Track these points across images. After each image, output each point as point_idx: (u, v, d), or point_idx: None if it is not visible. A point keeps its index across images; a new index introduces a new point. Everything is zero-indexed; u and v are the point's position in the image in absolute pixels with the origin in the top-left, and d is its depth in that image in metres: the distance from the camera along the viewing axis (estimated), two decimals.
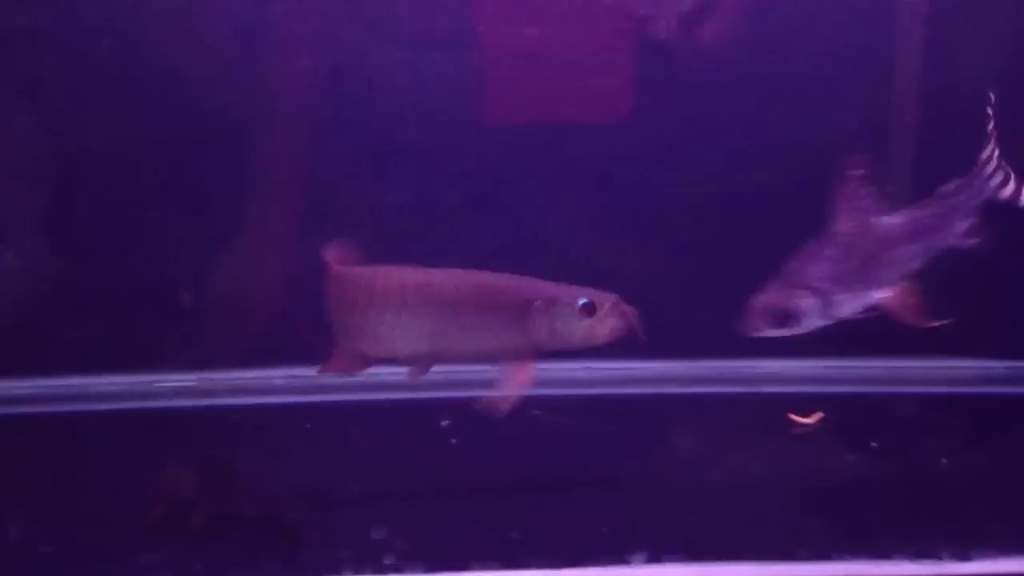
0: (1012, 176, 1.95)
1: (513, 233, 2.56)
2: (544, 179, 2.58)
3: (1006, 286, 2.57)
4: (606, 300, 1.81)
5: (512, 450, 2.27)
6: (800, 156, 2.48)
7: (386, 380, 2.39)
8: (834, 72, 2.52)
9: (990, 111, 1.90)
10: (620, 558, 1.80)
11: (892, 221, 1.94)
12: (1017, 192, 1.95)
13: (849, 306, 1.89)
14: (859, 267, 1.89)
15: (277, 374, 2.58)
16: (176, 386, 2.55)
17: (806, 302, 1.85)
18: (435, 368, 2.24)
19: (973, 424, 2.45)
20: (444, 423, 2.38)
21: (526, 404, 2.37)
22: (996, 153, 1.93)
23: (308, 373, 2.46)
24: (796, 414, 2.42)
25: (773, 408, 2.47)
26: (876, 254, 1.91)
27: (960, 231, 1.97)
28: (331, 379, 2.44)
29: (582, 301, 1.80)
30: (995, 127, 1.90)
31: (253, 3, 2.44)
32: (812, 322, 1.87)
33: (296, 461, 2.22)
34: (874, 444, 2.31)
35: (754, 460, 2.25)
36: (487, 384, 2.17)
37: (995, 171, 1.94)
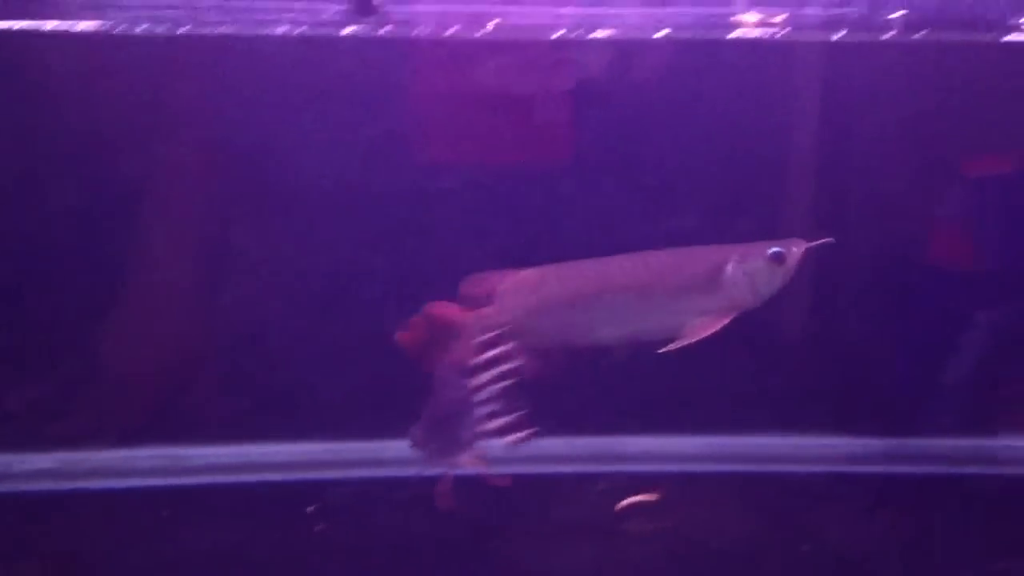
0: None
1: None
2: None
3: (882, 365, 2.60)
4: (794, 246, 1.86)
5: (381, 537, 2.23)
6: None
7: (256, 460, 2.33)
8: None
9: None
10: None
11: None
12: None
13: None
14: None
15: (142, 454, 2.49)
16: (32, 468, 2.45)
17: None
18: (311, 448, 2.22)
19: (854, 501, 2.47)
20: (309, 509, 2.32)
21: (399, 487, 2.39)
22: None
23: (172, 452, 2.39)
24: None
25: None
26: None
27: None
28: (197, 460, 2.37)
29: (773, 250, 1.84)
30: None
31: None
32: None
33: (146, 551, 2.13)
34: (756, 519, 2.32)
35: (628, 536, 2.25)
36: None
37: None
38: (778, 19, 1.74)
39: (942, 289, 2.50)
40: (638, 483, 2.46)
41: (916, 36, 1.77)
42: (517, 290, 1.86)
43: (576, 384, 2.06)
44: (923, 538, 2.35)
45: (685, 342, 1.82)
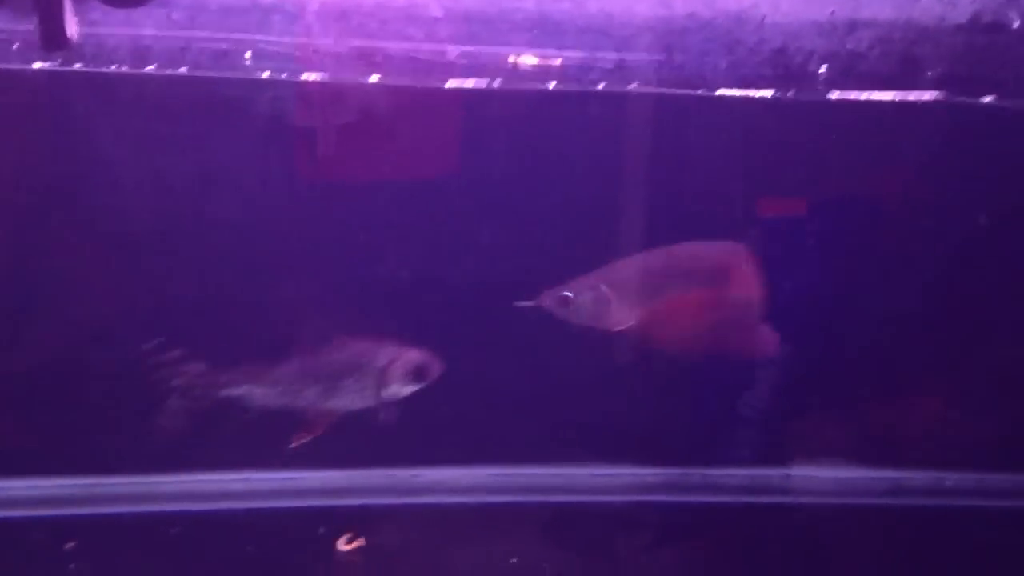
0: None
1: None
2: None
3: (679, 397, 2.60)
4: None
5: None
6: None
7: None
8: None
9: None
10: None
11: None
12: None
13: None
14: None
15: None
16: None
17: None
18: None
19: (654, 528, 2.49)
20: (68, 546, 2.21)
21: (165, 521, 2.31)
22: None
23: None
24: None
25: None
26: None
27: None
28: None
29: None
30: None
31: None
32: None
33: None
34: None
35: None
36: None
37: None
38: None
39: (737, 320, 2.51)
40: (435, 515, 2.43)
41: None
42: None
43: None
44: (717, 565, 2.37)
45: None
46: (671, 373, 2.53)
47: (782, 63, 1.47)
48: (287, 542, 2.31)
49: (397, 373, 1.95)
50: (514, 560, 2.31)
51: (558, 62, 1.50)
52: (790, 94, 1.53)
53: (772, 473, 2.59)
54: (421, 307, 2.25)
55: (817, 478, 2.58)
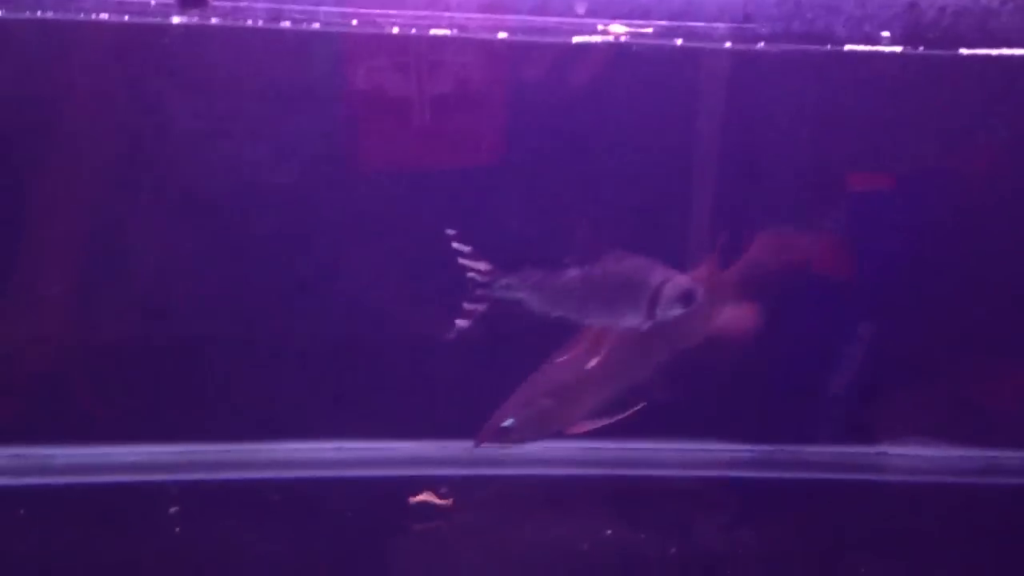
0: None
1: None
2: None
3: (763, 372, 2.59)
4: None
5: (244, 540, 2.17)
6: None
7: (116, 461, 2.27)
8: None
9: None
10: None
11: None
12: None
13: None
14: None
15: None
16: None
17: None
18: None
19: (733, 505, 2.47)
20: (172, 510, 2.25)
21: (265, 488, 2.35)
22: None
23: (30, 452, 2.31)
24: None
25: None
26: None
27: None
28: (57, 460, 2.31)
29: None
30: None
31: None
32: None
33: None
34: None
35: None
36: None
37: None
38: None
39: (825, 299, 2.51)
40: (519, 487, 2.44)
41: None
42: None
43: None
44: (803, 543, 2.35)
45: None
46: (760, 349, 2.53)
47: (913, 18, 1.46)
48: (389, 511, 2.34)
49: (670, 294, 1.88)
50: (609, 532, 2.31)
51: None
52: (920, 50, 1.52)
53: (864, 451, 2.57)
54: None
55: (910, 456, 2.56)
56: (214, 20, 1.51)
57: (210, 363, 2.31)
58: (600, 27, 1.71)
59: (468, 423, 2.12)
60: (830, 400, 2.53)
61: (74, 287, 2.33)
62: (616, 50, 1.89)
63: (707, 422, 2.52)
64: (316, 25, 1.57)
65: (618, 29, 1.72)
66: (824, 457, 2.54)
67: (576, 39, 1.63)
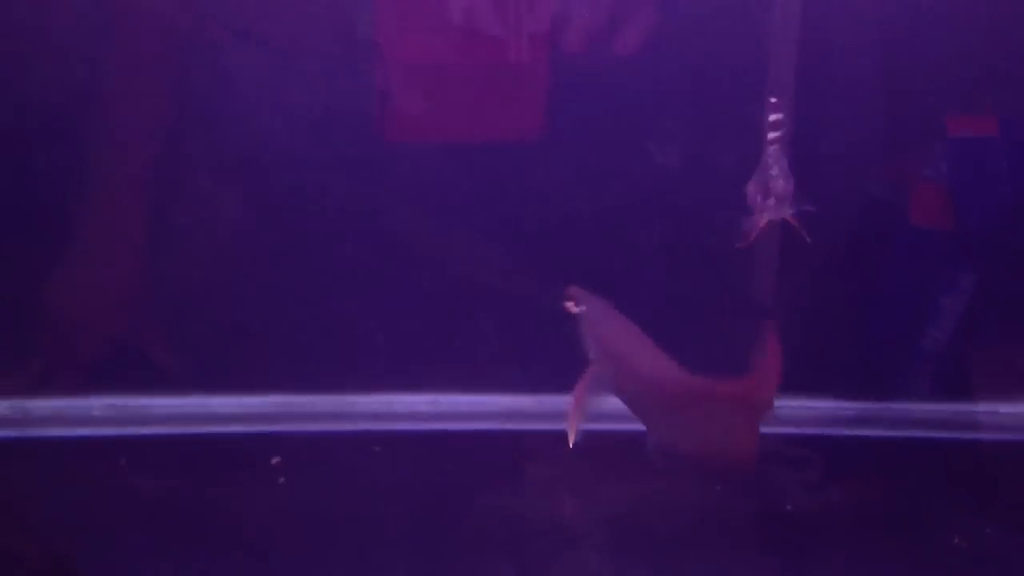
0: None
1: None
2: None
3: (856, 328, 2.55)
4: None
5: (347, 491, 2.16)
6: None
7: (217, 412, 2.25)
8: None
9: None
10: None
11: None
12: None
13: None
14: None
15: (97, 403, 2.39)
16: None
17: None
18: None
19: (824, 463, 2.43)
20: (274, 460, 2.24)
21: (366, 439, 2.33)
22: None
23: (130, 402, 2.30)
24: None
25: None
26: None
27: None
28: (156, 409, 2.30)
29: None
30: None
31: None
32: None
33: (98, 499, 2.05)
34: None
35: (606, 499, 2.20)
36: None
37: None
38: None
39: (921, 251, 2.47)
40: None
41: None
42: None
43: None
44: (896, 503, 2.32)
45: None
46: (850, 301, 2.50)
47: None
48: (479, 465, 2.33)
49: None
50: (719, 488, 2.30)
51: None
52: None
53: (958, 408, 2.54)
54: None
55: (1005, 414, 2.53)
56: None
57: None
58: None
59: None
60: (937, 356, 2.49)
61: (165, 234, 2.31)
62: None
63: (812, 378, 2.49)
64: None
65: None
66: (932, 414, 2.51)
67: None
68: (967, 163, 2.40)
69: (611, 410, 2.44)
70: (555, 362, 2.25)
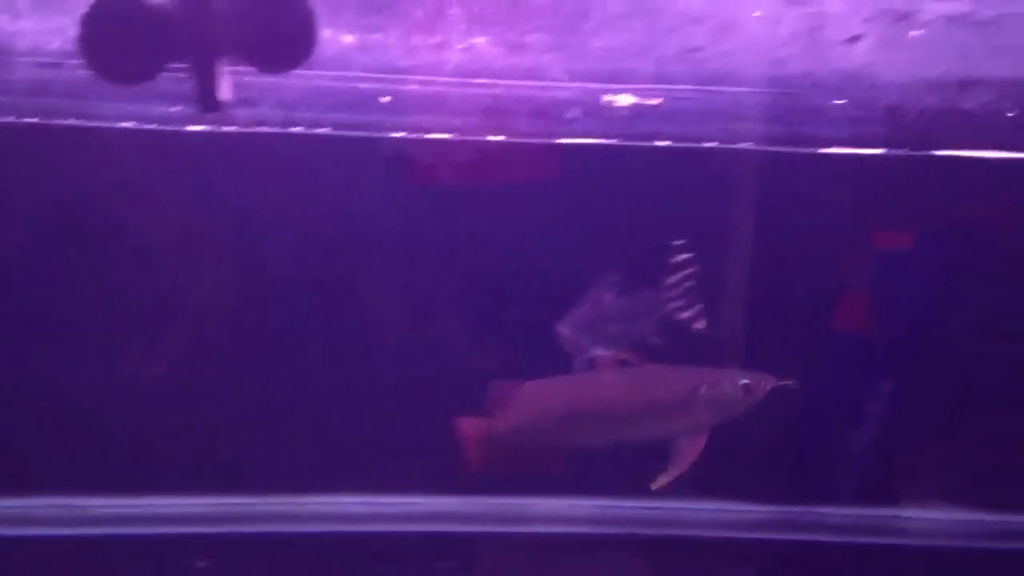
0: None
1: None
2: None
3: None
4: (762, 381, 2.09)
5: None
6: None
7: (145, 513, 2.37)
8: None
9: None
10: None
11: None
12: None
13: None
14: None
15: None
16: None
17: None
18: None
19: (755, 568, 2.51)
20: (200, 564, 2.34)
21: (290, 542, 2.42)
22: None
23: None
24: None
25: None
26: None
27: None
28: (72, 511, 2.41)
29: (743, 382, 2.09)
30: None
31: None
32: None
33: None
34: None
35: None
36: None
37: None
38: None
39: (845, 358, 2.52)
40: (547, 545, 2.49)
41: None
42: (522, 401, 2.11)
43: None
44: None
45: (675, 473, 2.10)
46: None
47: (895, 121, 1.51)
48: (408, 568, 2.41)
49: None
50: None
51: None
52: (902, 151, 1.56)
53: (881, 513, 2.57)
54: None
55: (928, 519, 2.55)
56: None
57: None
58: None
59: None
60: (850, 462, 2.54)
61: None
62: None
63: (724, 482, 2.54)
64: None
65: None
66: (844, 520, 2.55)
67: None
68: (887, 273, 2.47)
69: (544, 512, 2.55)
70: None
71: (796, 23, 1.44)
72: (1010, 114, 1.50)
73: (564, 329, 2.08)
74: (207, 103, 1.47)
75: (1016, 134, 1.52)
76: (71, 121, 1.59)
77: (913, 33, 1.42)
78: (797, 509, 2.56)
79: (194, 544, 2.37)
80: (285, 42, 1.47)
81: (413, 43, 1.47)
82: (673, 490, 2.52)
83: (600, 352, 2.07)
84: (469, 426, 2.14)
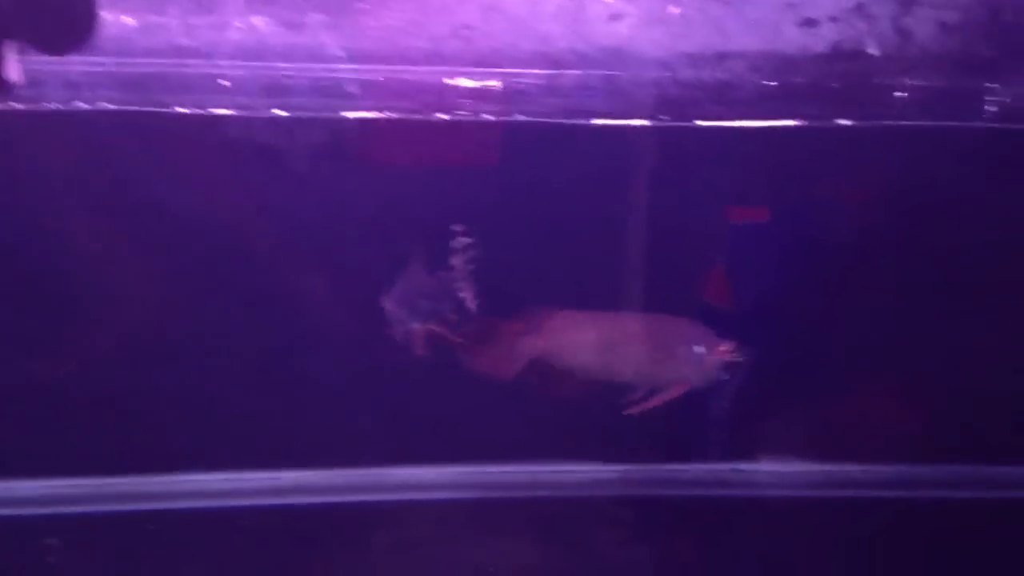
0: None
1: None
2: None
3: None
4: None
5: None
6: None
7: None
8: None
9: None
10: None
11: None
12: None
13: None
14: None
15: None
16: None
17: None
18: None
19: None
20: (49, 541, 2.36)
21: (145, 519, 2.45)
22: None
23: None
24: None
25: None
26: None
27: None
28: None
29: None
30: None
31: None
32: None
33: None
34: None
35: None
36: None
37: None
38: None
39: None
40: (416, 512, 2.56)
41: None
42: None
43: None
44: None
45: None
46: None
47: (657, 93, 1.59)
48: (274, 541, 2.46)
49: None
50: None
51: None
52: (663, 121, 1.64)
53: (722, 468, 2.70)
54: None
55: (762, 472, 2.68)
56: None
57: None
58: None
59: None
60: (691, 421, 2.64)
61: None
62: None
63: (569, 443, 2.63)
64: None
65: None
66: (685, 475, 2.67)
67: None
68: (743, 247, 2.55)
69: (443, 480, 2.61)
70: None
71: (561, 2, 1.51)
72: (771, 84, 1.59)
73: (388, 303, 2.15)
74: None
75: (770, 104, 1.61)
76: None
77: (672, 9, 1.50)
78: (657, 467, 2.69)
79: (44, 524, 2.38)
80: (67, 25, 1.50)
81: (192, 23, 1.50)
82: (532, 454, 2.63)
83: (416, 325, 2.14)
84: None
